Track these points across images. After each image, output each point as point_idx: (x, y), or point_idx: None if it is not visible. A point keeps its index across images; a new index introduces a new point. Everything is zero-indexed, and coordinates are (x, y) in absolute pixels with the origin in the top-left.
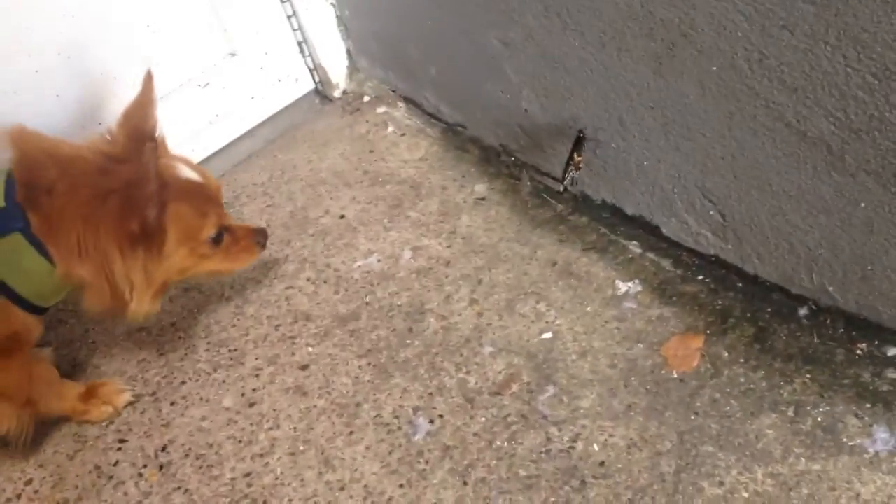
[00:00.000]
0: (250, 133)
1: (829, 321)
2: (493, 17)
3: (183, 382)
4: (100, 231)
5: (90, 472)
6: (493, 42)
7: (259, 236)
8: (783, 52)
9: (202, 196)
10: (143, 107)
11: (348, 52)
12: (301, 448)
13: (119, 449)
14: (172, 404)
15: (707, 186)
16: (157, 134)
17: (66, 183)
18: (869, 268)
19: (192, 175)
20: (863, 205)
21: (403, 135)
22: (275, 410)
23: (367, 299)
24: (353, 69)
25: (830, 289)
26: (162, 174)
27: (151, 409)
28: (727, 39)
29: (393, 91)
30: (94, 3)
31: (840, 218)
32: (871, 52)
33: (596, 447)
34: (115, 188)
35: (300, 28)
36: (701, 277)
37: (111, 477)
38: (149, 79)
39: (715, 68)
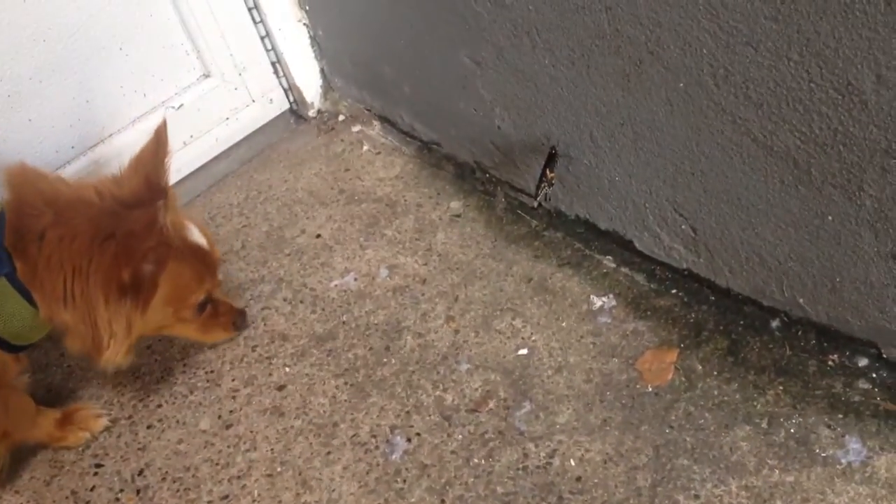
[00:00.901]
0: (225, 153)
1: (800, 333)
2: (463, 35)
3: (159, 405)
4: (89, 277)
5: (67, 497)
6: (465, 60)
7: (239, 317)
8: (748, 69)
9: (203, 262)
10: (157, 156)
11: (322, 71)
12: (278, 469)
13: (96, 474)
14: (149, 427)
15: (678, 201)
16: (169, 186)
17: (59, 231)
18: (838, 280)
19: (199, 239)
20: (830, 218)
21: (378, 153)
22: (252, 432)
23: (344, 318)
24: (327, 88)
25: (801, 301)
26: (170, 231)
27: (128, 432)
28: (693, 56)
29: (368, 110)
30: (66, 26)
31: (808, 231)
32: (834, 68)
33: (573, 462)
34: (114, 234)
35: (274, 48)
36: (674, 291)
37: (88, 502)
38: (163, 128)
39: (682, 85)
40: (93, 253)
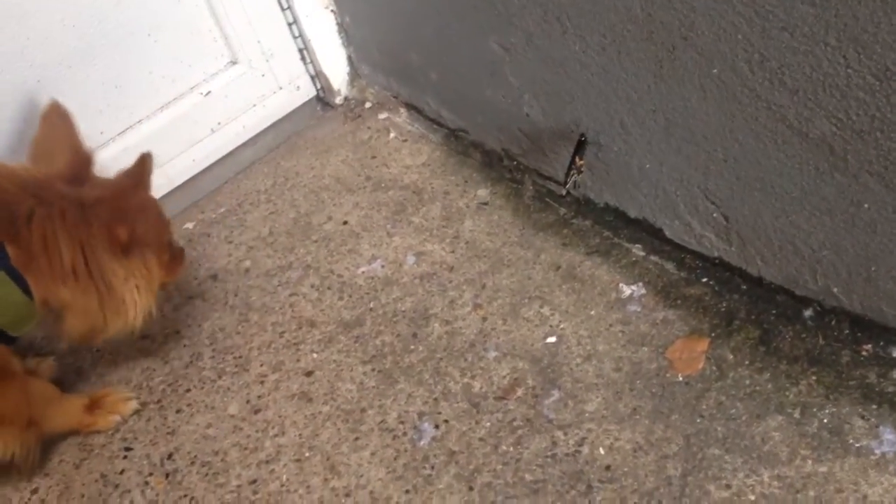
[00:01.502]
0: (252, 140)
1: (834, 322)
2: (492, 21)
3: (188, 390)
4: (94, 245)
5: (96, 480)
6: (494, 47)
7: (180, 247)
8: (783, 54)
9: (155, 203)
10: (64, 128)
11: (349, 58)
12: (306, 454)
13: (125, 457)
14: (178, 412)
15: (710, 188)
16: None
17: (46, 210)
18: (873, 269)
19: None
20: (866, 206)
21: (405, 140)
22: (280, 417)
23: (371, 305)
24: (354, 76)
25: (835, 290)
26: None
27: (157, 416)
28: (727, 42)
29: (395, 97)
30: (95, 12)
31: (843, 219)
32: (872, 53)
33: (602, 451)
34: (99, 201)
35: (301, 35)
36: (705, 280)
37: (117, 485)
38: (51, 110)
39: (716, 71)
40: (88, 222)
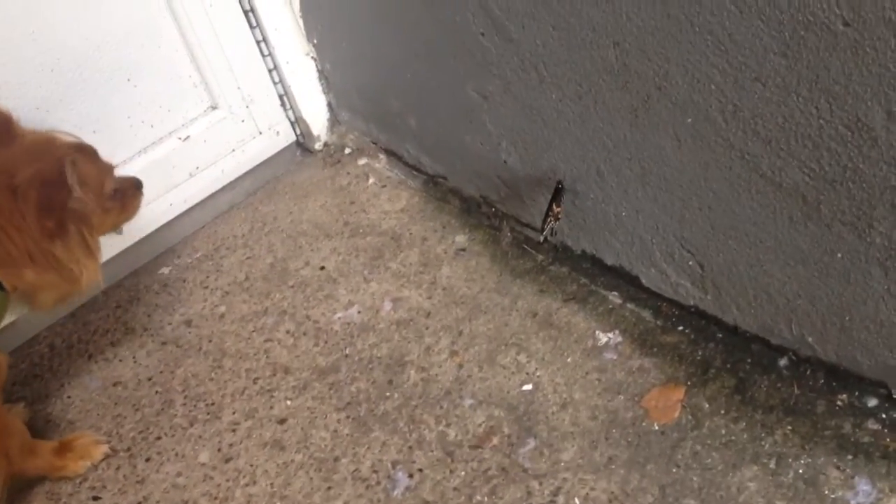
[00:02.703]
0: (231, 185)
1: (809, 372)
2: (470, 69)
3: (158, 437)
4: (32, 234)
5: None
6: (472, 94)
7: (136, 182)
8: (756, 105)
9: (90, 153)
10: None
11: (329, 104)
12: None
13: None
14: (148, 460)
15: (685, 237)
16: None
17: None
18: (847, 318)
19: (73, 138)
20: (839, 255)
21: (384, 186)
22: (251, 466)
23: (347, 351)
24: (334, 121)
25: (810, 339)
26: (54, 141)
27: (126, 464)
28: (701, 92)
29: (374, 143)
30: (73, 57)
31: (817, 268)
32: (843, 104)
33: (577, 501)
34: (23, 190)
35: (281, 81)
36: (681, 328)
37: None
38: None
39: (690, 120)
40: (21, 212)
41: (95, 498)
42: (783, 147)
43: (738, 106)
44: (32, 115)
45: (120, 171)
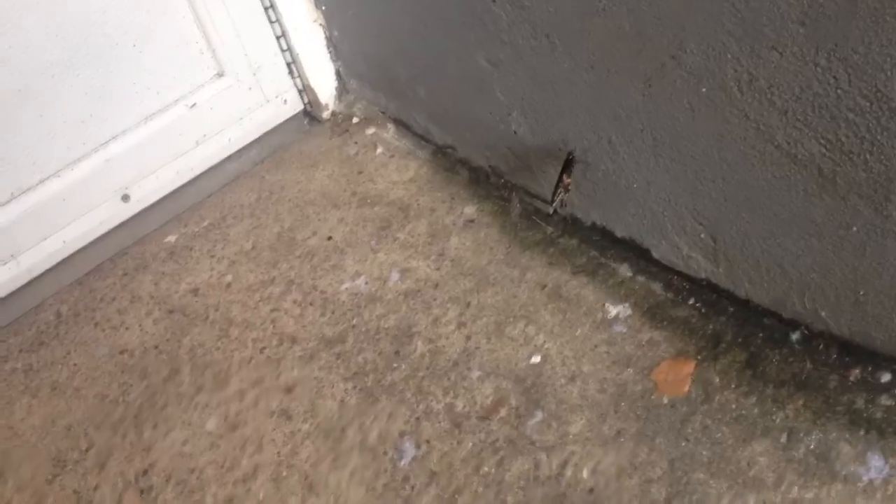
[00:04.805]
0: (238, 154)
1: (821, 346)
2: (481, 37)
3: (165, 405)
4: None
5: (69, 496)
6: (482, 63)
7: None
8: (773, 74)
9: None
10: None
11: (338, 72)
12: (284, 473)
13: (99, 473)
14: (154, 427)
15: (697, 209)
16: None
17: None
18: (861, 293)
19: None
20: (854, 228)
21: (393, 156)
22: (258, 434)
23: (354, 322)
24: (342, 90)
25: (823, 313)
26: None
27: (132, 432)
28: (716, 61)
29: (382, 112)
30: (80, 22)
31: (832, 241)
32: (862, 74)
33: (585, 473)
34: None
35: (289, 49)
36: (692, 301)
37: (90, 502)
38: None
39: (704, 90)
40: None
41: (102, 464)
42: (799, 118)
43: (753, 75)
44: (39, 80)
45: (126, 139)
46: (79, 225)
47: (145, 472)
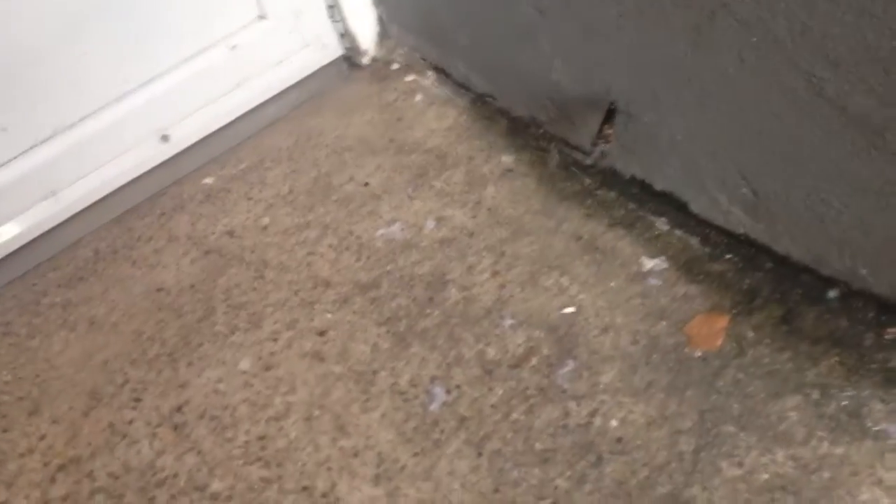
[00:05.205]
0: (276, 98)
1: (859, 305)
2: None
3: (200, 344)
4: None
5: (104, 429)
6: (528, 9)
7: None
8: (827, 25)
9: None
10: None
11: (379, 18)
12: (316, 413)
13: (134, 408)
14: (189, 365)
15: (741, 162)
16: None
17: None
18: None
19: None
20: None
21: (432, 104)
22: (291, 375)
23: (389, 268)
24: (383, 36)
25: (863, 272)
26: None
27: (168, 368)
28: (769, 9)
29: (423, 59)
30: None
31: (877, 198)
32: None
33: (614, 423)
34: None
35: None
36: (729, 256)
37: (125, 435)
38: None
39: (755, 40)
40: None
41: (137, 399)
42: (852, 70)
43: (807, 25)
44: (82, 20)
45: (166, 79)
46: (118, 164)
47: (179, 409)
